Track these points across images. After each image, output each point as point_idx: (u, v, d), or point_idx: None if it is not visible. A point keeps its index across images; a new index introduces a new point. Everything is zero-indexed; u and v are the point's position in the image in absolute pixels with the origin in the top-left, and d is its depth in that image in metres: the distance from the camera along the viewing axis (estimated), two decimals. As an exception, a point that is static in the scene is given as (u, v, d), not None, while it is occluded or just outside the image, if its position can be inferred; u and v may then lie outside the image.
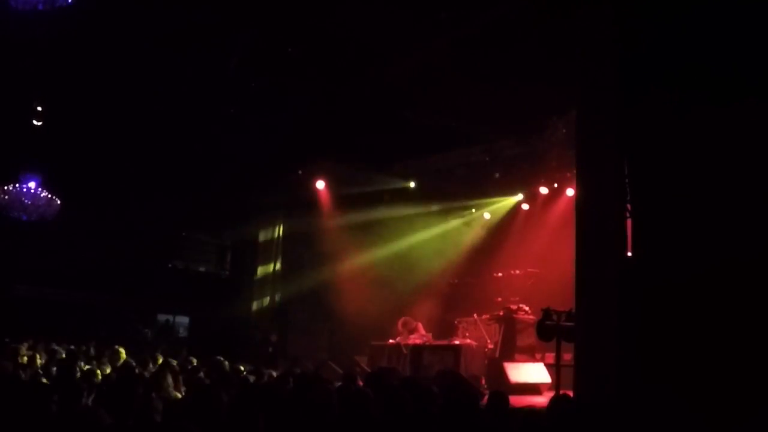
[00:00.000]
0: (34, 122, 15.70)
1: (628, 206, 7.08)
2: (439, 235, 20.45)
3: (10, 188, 16.77)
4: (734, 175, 5.85)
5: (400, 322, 15.79)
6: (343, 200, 19.96)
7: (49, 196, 17.31)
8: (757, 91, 5.73)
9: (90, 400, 6.75)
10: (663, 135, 6.38)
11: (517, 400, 8.46)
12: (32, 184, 17.01)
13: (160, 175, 19.44)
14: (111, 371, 10.00)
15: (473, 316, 15.62)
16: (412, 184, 19.47)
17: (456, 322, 15.89)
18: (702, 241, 5.95)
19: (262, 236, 21.72)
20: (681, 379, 5.77)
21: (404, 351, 14.97)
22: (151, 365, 10.80)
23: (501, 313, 14.91)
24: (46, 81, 14.29)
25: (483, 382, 13.27)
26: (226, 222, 22.76)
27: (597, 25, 7.37)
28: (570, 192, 16.02)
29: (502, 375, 13.29)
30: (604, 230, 7.32)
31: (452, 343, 14.73)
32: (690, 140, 6.13)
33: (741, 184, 5.81)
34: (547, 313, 9.92)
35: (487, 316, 15.35)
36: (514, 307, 15.02)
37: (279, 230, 21.41)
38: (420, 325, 15.71)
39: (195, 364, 11.89)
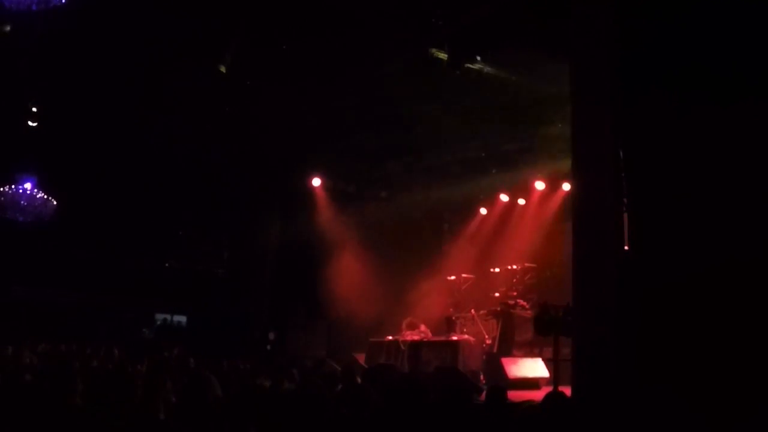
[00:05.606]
0: (30, 123, 15.69)
1: (625, 201, 7.10)
2: (437, 232, 20.48)
3: (7, 189, 16.75)
4: (733, 173, 5.86)
5: (404, 323, 15.80)
6: (340, 197, 19.98)
7: (45, 197, 17.30)
8: (757, 91, 5.74)
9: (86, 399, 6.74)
10: (661, 133, 6.39)
11: (515, 395, 8.48)
12: (28, 185, 17.00)
13: (156, 174, 19.44)
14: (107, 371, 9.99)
15: (471, 312, 15.63)
16: (409, 180, 19.48)
17: (454, 317, 15.89)
18: (700, 238, 5.96)
19: (259, 234, 21.70)
20: (680, 376, 5.79)
21: (402, 347, 14.98)
22: (147, 365, 10.80)
23: (498, 309, 14.92)
24: (42, 82, 14.27)
25: (481, 377, 13.29)
26: (223, 221, 22.77)
27: (596, 23, 7.38)
28: (566, 187, 16.03)
29: (501, 370, 13.30)
30: (601, 225, 7.33)
31: (450, 338, 14.74)
32: (688, 139, 6.14)
33: (740, 183, 5.82)
34: (544, 308, 9.93)
35: (485, 311, 15.37)
36: (511, 302, 15.03)
37: (276, 228, 21.40)
38: (423, 327, 15.71)
39: (193, 363, 11.91)
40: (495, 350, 14.23)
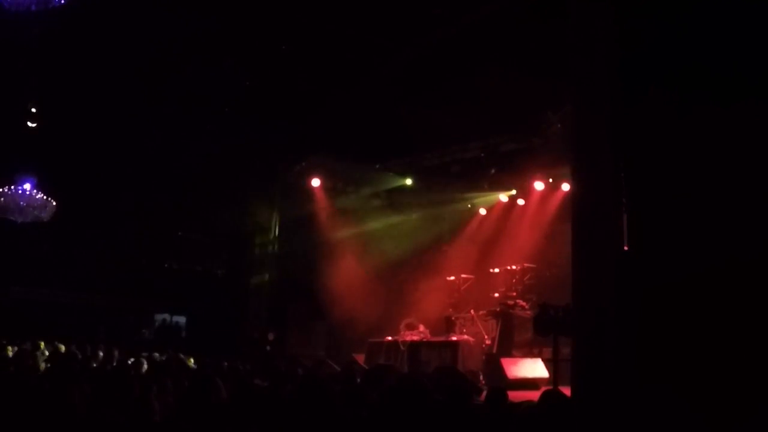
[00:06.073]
0: (29, 124, 15.68)
1: (625, 201, 7.09)
2: (436, 231, 20.47)
3: (6, 190, 16.74)
4: (733, 173, 5.86)
5: (403, 324, 15.80)
6: (339, 198, 19.99)
7: (45, 197, 17.29)
8: (757, 91, 5.74)
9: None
10: (661, 133, 6.39)
11: (515, 396, 8.48)
12: (28, 186, 16.98)
13: (154, 175, 19.44)
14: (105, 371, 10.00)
15: (470, 312, 15.64)
16: (408, 181, 19.48)
17: (453, 318, 15.90)
18: (700, 238, 5.96)
19: (258, 234, 21.70)
20: (680, 376, 5.78)
21: (402, 348, 14.97)
22: (146, 365, 10.80)
23: (498, 309, 14.92)
24: (41, 82, 14.27)
25: (481, 378, 13.28)
26: (222, 221, 22.77)
27: (595, 23, 7.38)
28: (566, 187, 16.04)
29: (500, 371, 13.29)
30: (601, 224, 7.33)
31: (450, 339, 14.74)
32: (688, 139, 6.14)
33: (740, 183, 5.82)
34: (544, 308, 9.93)
35: (484, 311, 15.37)
36: (511, 302, 15.03)
37: (275, 228, 21.39)
38: (421, 327, 15.71)
39: (193, 363, 11.91)
40: (494, 350, 14.22)
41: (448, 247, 20.04)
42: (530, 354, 14.17)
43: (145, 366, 10.63)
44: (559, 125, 14.81)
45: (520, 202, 18.62)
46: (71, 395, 6.20)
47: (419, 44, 12.97)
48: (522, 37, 11.91)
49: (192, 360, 12.74)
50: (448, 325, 15.70)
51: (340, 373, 10.54)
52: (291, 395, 6.91)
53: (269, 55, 13.99)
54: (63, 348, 13.65)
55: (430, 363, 13.76)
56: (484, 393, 8.01)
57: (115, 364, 11.07)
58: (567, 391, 7.12)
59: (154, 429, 5.72)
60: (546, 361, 13.46)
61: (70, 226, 19.68)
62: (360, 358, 15.42)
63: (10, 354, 11.29)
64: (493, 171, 18.00)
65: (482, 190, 19.07)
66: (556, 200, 17.11)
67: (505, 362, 13.52)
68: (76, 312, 21.26)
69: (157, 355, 13.84)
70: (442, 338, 15.10)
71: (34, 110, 15.58)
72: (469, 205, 19.96)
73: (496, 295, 16.03)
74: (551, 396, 5.90)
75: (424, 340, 15.14)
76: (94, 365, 11.27)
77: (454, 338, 14.67)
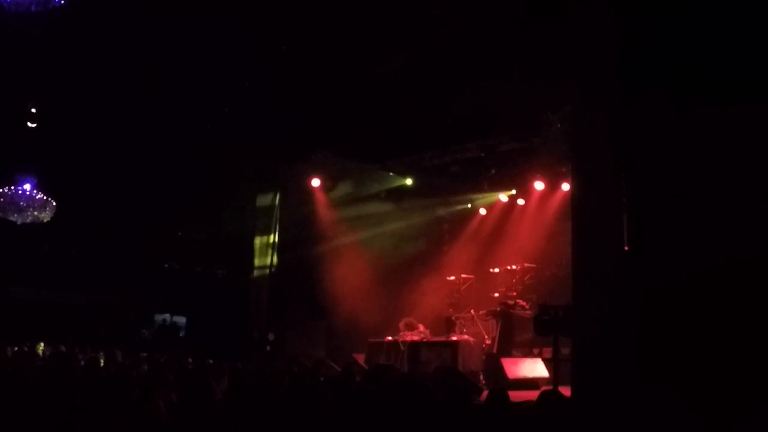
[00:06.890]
0: (29, 124, 15.68)
1: (625, 201, 7.09)
2: (436, 231, 20.48)
3: (6, 190, 16.73)
4: (733, 173, 5.86)
5: (402, 323, 15.80)
6: (339, 198, 19.99)
7: (45, 197, 17.29)
8: (757, 91, 5.75)
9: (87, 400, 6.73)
10: (661, 133, 6.39)
11: (515, 396, 8.49)
12: (28, 186, 16.98)
13: (154, 175, 19.44)
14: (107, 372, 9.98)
15: (470, 312, 15.65)
16: (408, 181, 19.50)
17: (453, 318, 15.90)
18: (700, 238, 5.96)
19: (258, 235, 21.69)
20: (680, 376, 5.78)
21: (402, 348, 14.98)
22: (146, 366, 10.80)
23: (498, 309, 14.93)
24: (41, 82, 14.26)
25: (481, 378, 13.29)
26: (222, 221, 22.77)
27: (595, 23, 7.38)
28: (566, 187, 16.05)
29: (500, 371, 13.30)
30: (601, 224, 7.32)
31: (450, 339, 14.74)
32: (688, 139, 6.14)
33: (740, 183, 5.82)
34: (544, 308, 9.94)
35: (484, 311, 15.37)
36: (511, 302, 15.04)
37: (275, 228, 21.39)
38: (421, 327, 15.73)
39: (192, 364, 11.91)
40: (494, 350, 14.23)
41: (448, 247, 20.04)
42: (530, 354, 14.18)
43: (146, 366, 10.64)
44: (558, 125, 14.80)
45: (520, 202, 18.63)
46: (72, 395, 6.20)
47: (419, 44, 12.96)
48: (522, 37, 11.90)
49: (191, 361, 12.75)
50: (448, 325, 15.71)
51: (339, 373, 10.53)
52: (292, 395, 6.92)
53: (269, 54, 13.98)
54: (63, 348, 13.68)
55: (430, 363, 13.76)
56: (485, 393, 8.02)
57: (117, 365, 11.06)
58: (567, 391, 7.12)
59: (158, 428, 5.73)
60: (546, 361, 13.46)
61: (70, 226, 19.67)
62: (360, 358, 15.43)
63: (10, 354, 11.29)
64: (493, 171, 18.01)
65: (482, 190, 19.08)
66: (556, 200, 17.12)
67: (505, 362, 13.52)
68: (76, 312, 21.27)
69: (157, 355, 13.86)
70: (442, 338, 15.11)
71: (34, 110, 15.57)
72: (469, 205, 19.96)
73: (496, 295, 16.04)
74: (549, 396, 5.91)
75: (424, 340, 15.15)
76: (98, 367, 11.27)
77: (454, 338, 14.67)
